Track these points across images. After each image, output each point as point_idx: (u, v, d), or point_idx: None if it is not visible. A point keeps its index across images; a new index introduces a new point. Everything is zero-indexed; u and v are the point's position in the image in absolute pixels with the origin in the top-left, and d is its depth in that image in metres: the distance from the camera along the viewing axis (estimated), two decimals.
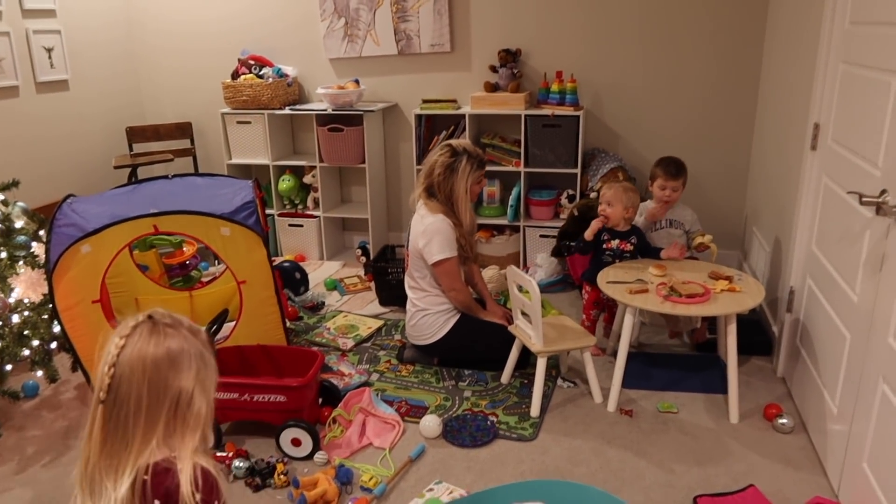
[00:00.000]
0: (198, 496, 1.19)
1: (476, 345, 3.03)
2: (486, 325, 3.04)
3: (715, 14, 3.85)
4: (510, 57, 4.12)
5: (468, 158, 2.92)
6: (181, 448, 1.23)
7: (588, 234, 3.07)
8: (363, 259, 4.52)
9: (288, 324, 3.49)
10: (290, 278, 3.87)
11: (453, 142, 3.01)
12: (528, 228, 4.23)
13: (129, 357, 1.19)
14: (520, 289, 2.79)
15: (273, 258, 4.45)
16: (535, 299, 2.61)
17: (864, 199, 2.01)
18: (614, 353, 3.18)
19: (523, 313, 2.82)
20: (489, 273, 3.83)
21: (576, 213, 3.89)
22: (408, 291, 3.11)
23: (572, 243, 3.84)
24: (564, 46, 4.11)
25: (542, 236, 4.20)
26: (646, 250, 3.13)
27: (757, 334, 3.22)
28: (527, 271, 4.16)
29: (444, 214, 2.93)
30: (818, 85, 2.67)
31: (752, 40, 3.84)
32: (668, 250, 3.05)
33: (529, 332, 2.75)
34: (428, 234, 2.89)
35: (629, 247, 3.08)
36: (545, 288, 3.98)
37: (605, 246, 3.08)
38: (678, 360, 3.14)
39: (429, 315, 3.01)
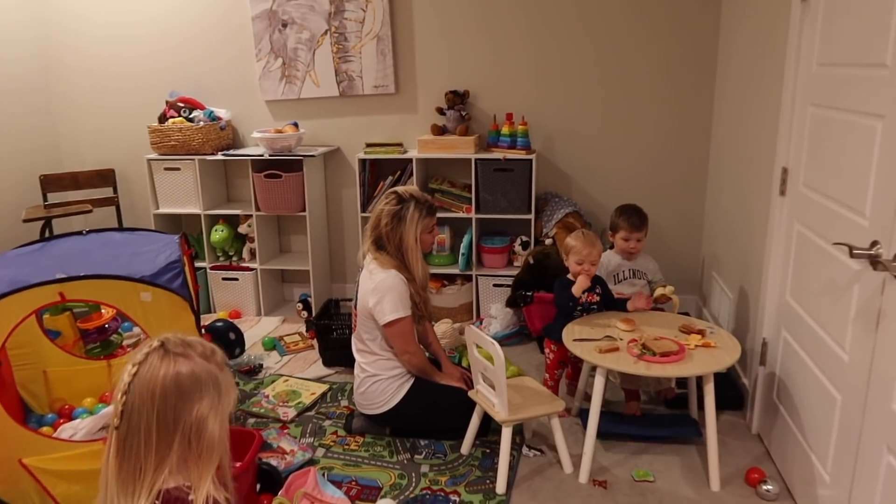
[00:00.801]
0: None
1: (433, 412, 2.76)
2: (443, 390, 2.77)
3: (667, 57, 3.78)
4: (458, 99, 3.94)
5: (416, 205, 2.69)
6: (195, 476, 1.21)
7: (577, 292, 2.82)
8: (304, 314, 4.20)
9: None
10: (224, 340, 3.52)
11: (399, 188, 2.78)
12: (480, 277, 4.01)
13: (140, 385, 1.20)
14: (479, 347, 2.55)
15: (205, 316, 4.15)
16: (500, 365, 2.37)
17: (854, 252, 1.85)
18: (580, 413, 2.96)
19: (485, 377, 2.57)
20: (442, 328, 3.57)
21: (531, 262, 3.70)
22: (356, 355, 2.82)
23: (528, 293, 3.65)
24: (514, 88, 3.96)
25: (495, 285, 3.99)
26: (610, 302, 2.94)
27: (727, 388, 3.05)
28: (480, 323, 3.92)
29: (395, 269, 2.68)
30: (784, 128, 2.56)
31: (705, 83, 3.77)
32: (634, 301, 2.87)
33: (493, 400, 2.50)
34: (379, 291, 2.62)
35: (596, 298, 2.88)
36: (501, 341, 3.73)
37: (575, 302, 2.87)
38: (648, 420, 2.93)
39: (380, 381, 2.73)
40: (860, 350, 1.93)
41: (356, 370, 2.82)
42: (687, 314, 3.34)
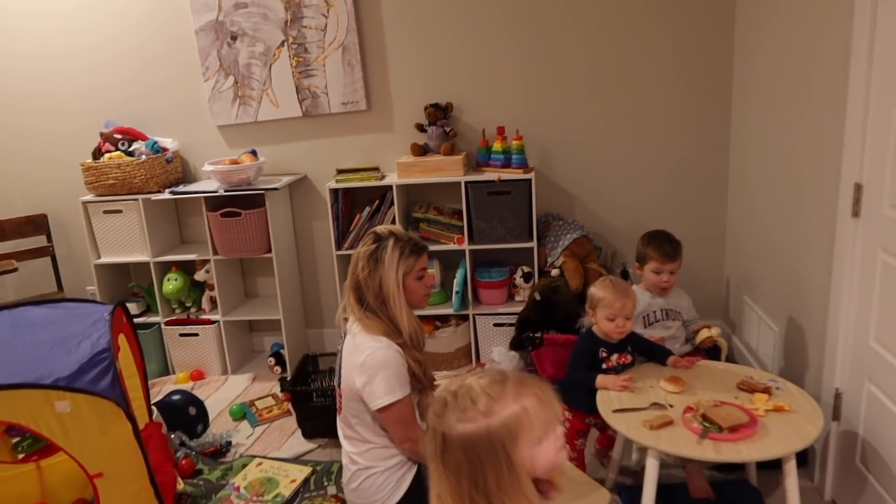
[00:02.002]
0: None
1: None
2: None
3: (675, 54, 3.30)
4: (440, 113, 3.42)
5: (395, 242, 2.14)
6: None
7: (603, 385, 2.27)
8: (277, 369, 3.65)
9: (181, 486, 2.58)
10: (183, 417, 2.95)
11: (379, 227, 2.25)
12: (478, 317, 3.49)
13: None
14: None
15: (160, 380, 3.57)
16: None
17: None
18: (617, 489, 2.46)
19: None
20: (440, 385, 3.04)
21: (538, 298, 3.19)
22: (343, 442, 2.27)
23: (536, 334, 3.14)
24: (504, 97, 3.45)
25: (496, 325, 3.47)
26: (645, 350, 2.44)
27: None
28: (481, 369, 3.40)
29: (386, 336, 2.14)
30: (854, 137, 2.09)
31: (720, 82, 3.30)
32: (676, 359, 2.37)
33: None
34: (368, 368, 2.08)
35: (628, 359, 2.38)
36: None
37: (604, 366, 2.36)
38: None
39: (375, 475, 2.18)
40: None
41: (344, 460, 2.27)
42: (731, 359, 2.86)
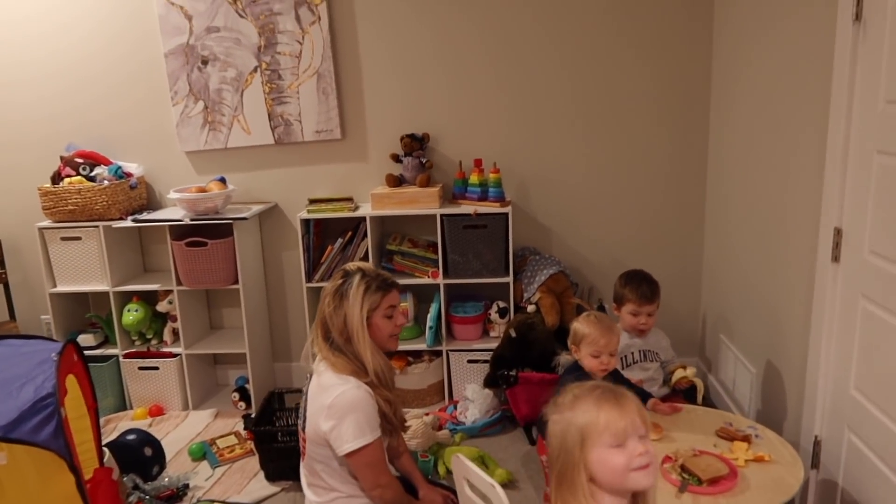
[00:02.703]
0: None
1: None
2: None
3: (654, 93, 3.28)
4: (416, 143, 3.35)
5: (361, 278, 2.06)
6: None
7: None
8: (242, 405, 3.50)
9: None
10: (137, 457, 2.80)
11: (349, 264, 2.17)
12: (452, 353, 3.39)
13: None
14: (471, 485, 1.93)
15: (117, 415, 3.40)
16: None
17: None
18: None
19: None
20: (412, 425, 2.93)
21: (513, 334, 3.11)
22: (306, 491, 2.16)
23: (511, 372, 3.07)
24: (481, 129, 3.40)
25: (470, 361, 3.38)
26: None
27: None
28: (455, 407, 3.30)
29: (354, 375, 2.04)
30: (834, 181, 2.06)
31: (698, 121, 3.29)
32: (656, 403, 2.30)
33: None
34: (336, 411, 1.97)
35: None
36: (481, 430, 3.14)
37: None
38: None
39: None
40: None
41: None
42: (707, 398, 2.80)
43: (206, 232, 3.30)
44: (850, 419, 2.06)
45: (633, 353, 2.56)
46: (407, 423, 2.87)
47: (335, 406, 1.98)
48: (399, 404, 2.20)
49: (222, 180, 3.42)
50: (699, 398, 2.56)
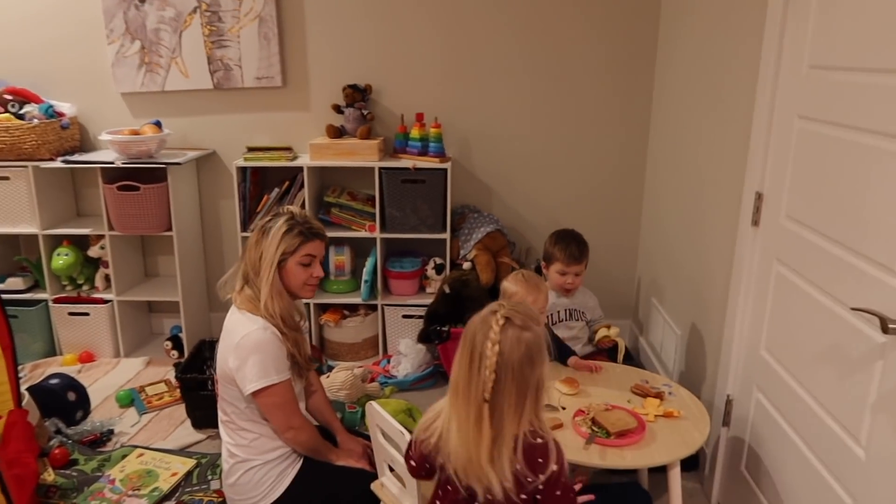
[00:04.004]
0: (554, 466, 1.39)
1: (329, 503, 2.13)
2: (341, 475, 2.14)
3: (602, 51, 3.26)
4: (358, 94, 3.29)
5: (287, 219, 2.03)
6: (538, 420, 1.42)
7: None
8: (174, 353, 3.46)
9: (52, 477, 2.41)
10: (60, 402, 2.75)
11: (288, 206, 2.16)
12: (387, 307, 3.39)
13: (504, 362, 1.36)
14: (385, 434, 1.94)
15: (47, 360, 3.34)
16: None
17: (890, 327, 1.37)
18: None
19: (391, 468, 1.96)
20: (340, 377, 2.94)
21: (447, 291, 3.12)
22: (221, 432, 2.15)
23: (444, 328, 3.09)
24: (425, 83, 3.35)
25: (405, 316, 3.38)
26: (554, 348, 2.39)
27: None
28: (388, 361, 3.32)
29: (263, 318, 2.02)
30: (758, 144, 2.08)
31: (642, 83, 3.29)
32: (577, 361, 2.33)
33: (403, 501, 1.90)
34: (242, 351, 1.96)
35: None
36: (412, 384, 3.16)
37: None
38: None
39: (255, 469, 2.07)
40: (888, 452, 1.45)
41: (223, 453, 2.15)
42: (629, 353, 2.86)
43: (139, 176, 3.21)
44: (758, 379, 2.12)
45: (559, 312, 2.59)
46: (337, 367, 2.89)
47: (241, 346, 1.97)
48: (305, 344, 2.19)
49: (158, 124, 3.32)
50: (620, 357, 2.60)
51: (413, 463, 1.61)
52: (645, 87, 3.29)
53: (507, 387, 1.37)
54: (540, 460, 1.39)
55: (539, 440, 1.41)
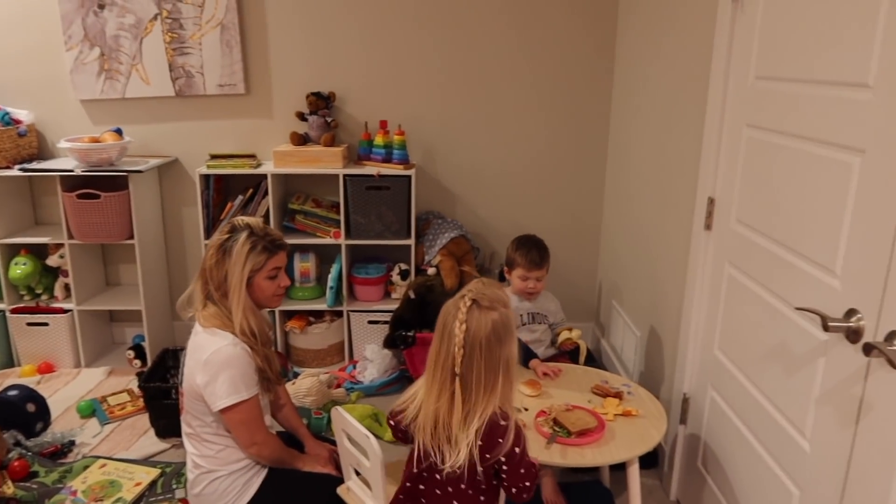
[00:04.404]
0: (514, 448, 1.53)
1: None
2: (308, 482, 2.15)
3: (561, 61, 3.34)
4: (322, 102, 3.31)
5: (248, 236, 2.02)
6: (507, 399, 1.57)
7: None
8: (137, 363, 3.43)
9: (11, 489, 2.37)
10: (19, 414, 2.71)
11: (239, 218, 2.13)
12: (353, 313, 3.41)
13: (471, 339, 1.50)
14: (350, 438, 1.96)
15: (4, 372, 3.26)
16: (376, 462, 1.80)
17: (830, 325, 1.44)
18: None
19: (357, 472, 1.99)
20: (306, 383, 2.94)
21: (412, 296, 3.16)
22: (185, 443, 2.14)
23: (409, 333, 3.12)
24: (388, 91, 3.38)
25: (371, 322, 3.41)
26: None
27: None
28: (354, 367, 3.33)
29: (232, 332, 2.02)
30: (710, 152, 2.16)
31: (601, 91, 3.37)
32: (538, 363, 2.39)
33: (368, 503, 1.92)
34: (212, 366, 1.96)
35: None
36: (379, 389, 3.18)
37: None
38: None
39: (220, 479, 2.07)
40: (830, 444, 1.53)
41: (188, 463, 2.14)
42: (591, 355, 2.93)
43: (99, 184, 3.18)
44: (713, 378, 2.19)
45: (521, 316, 2.63)
46: (304, 374, 2.90)
47: (210, 362, 1.96)
48: (275, 360, 2.19)
49: (118, 131, 3.29)
50: (582, 359, 2.67)
51: (391, 423, 1.76)
52: (604, 96, 3.38)
53: (477, 362, 1.51)
54: (499, 440, 1.53)
55: (503, 422, 1.53)
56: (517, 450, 1.55)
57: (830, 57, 1.54)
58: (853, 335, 1.43)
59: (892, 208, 1.32)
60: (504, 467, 1.56)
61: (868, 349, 1.32)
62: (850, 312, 1.44)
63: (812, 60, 1.62)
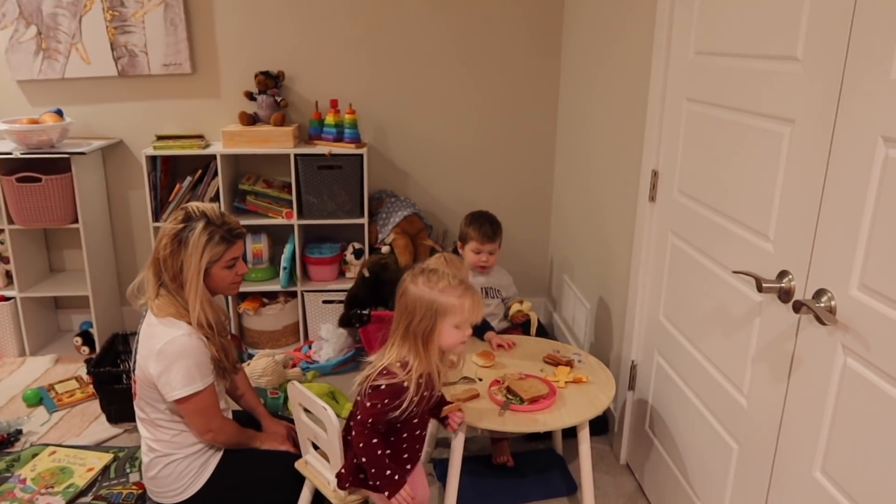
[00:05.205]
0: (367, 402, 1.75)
1: (252, 489, 2.14)
2: (265, 459, 2.16)
3: (511, 39, 3.37)
4: (271, 81, 3.28)
5: (205, 225, 1.97)
6: (414, 356, 1.76)
7: None
8: (85, 349, 3.36)
9: None
10: None
11: (193, 204, 2.07)
12: (307, 293, 3.41)
13: (400, 303, 1.78)
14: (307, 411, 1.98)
15: None
16: (333, 433, 1.83)
17: (764, 286, 1.52)
18: (432, 462, 2.51)
19: (315, 446, 2.01)
20: (261, 363, 2.94)
21: (366, 274, 3.17)
22: (140, 427, 2.12)
23: (364, 311, 3.13)
24: (338, 70, 3.37)
25: (325, 302, 3.41)
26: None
27: None
28: (309, 347, 3.34)
29: (178, 317, 1.98)
30: (653, 126, 2.23)
31: (550, 68, 3.42)
32: (492, 336, 2.44)
33: (327, 476, 1.95)
34: (165, 358, 1.92)
35: None
36: (335, 368, 3.20)
37: None
38: (515, 472, 2.52)
39: (175, 462, 2.06)
40: (765, 398, 1.62)
41: (143, 447, 2.12)
42: (543, 327, 3.00)
43: (40, 167, 3.09)
44: (658, 344, 2.28)
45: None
46: (259, 354, 2.89)
47: (164, 352, 1.92)
48: (232, 348, 2.16)
49: (59, 112, 3.20)
50: (533, 330, 2.73)
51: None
52: (553, 73, 3.43)
53: (399, 322, 1.77)
54: (370, 389, 1.76)
55: (383, 378, 1.75)
56: (367, 403, 1.74)
57: (761, 31, 1.61)
58: (785, 295, 1.51)
59: (819, 174, 1.40)
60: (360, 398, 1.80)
61: (797, 306, 1.40)
62: (782, 274, 1.53)
63: (745, 35, 1.69)
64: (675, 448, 2.15)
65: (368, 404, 1.74)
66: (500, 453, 2.47)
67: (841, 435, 1.36)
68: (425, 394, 1.77)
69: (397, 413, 1.73)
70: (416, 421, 1.84)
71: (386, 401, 1.72)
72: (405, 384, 1.73)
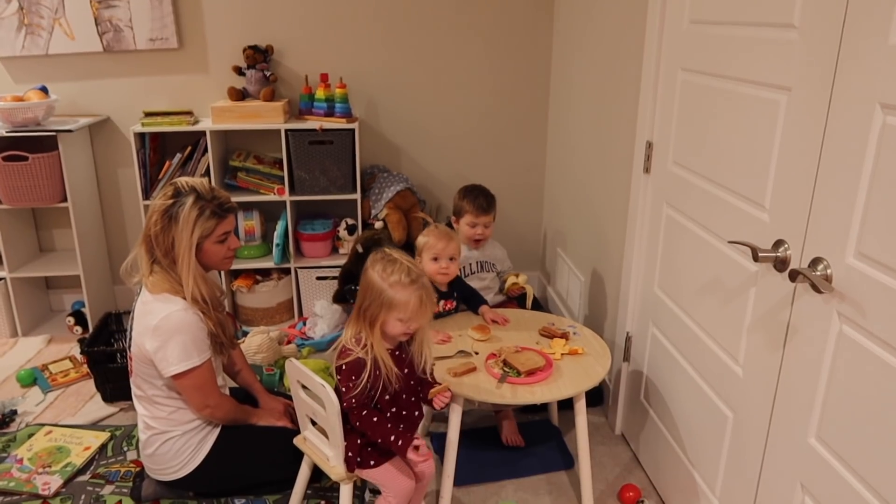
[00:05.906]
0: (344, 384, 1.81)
1: (250, 466, 2.16)
2: (262, 435, 2.18)
3: (501, 14, 3.32)
4: (260, 56, 3.23)
5: (195, 200, 1.95)
6: (369, 334, 1.81)
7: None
8: (78, 329, 3.35)
9: None
10: None
11: (182, 179, 2.05)
12: (301, 270, 3.40)
13: (368, 276, 1.84)
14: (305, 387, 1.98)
15: None
16: (332, 410, 1.83)
17: (760, 256, 1.53)
18: (429, 436, 2.53)
19: (314, 422, 2.01)
20: (256, 340, 2.94)
21: (360, 250, 3.15)
22: (136, 405, 2.12)
23: (358, 287, 3.11)
24: (328, 43, 3.32)
25: (319, 278, 3.40)
26: (468, 297, 2.49)
27: None
28: (304, 324, 3.33)
29: (173, 293, 1.97)
30: (647, 97, 2.22)
31: (542, 40, 3.39)
32: (487, 310, 2.44)
33: (326, 452, 1.96)
34: (162, 332, 1.92)
35: (453, 304, 2.43)
36: (329, 344, 3.20)
37: None
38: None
39: (173, 439, 2.07)
40: (760, 367, 1.63)
41: (140, 424, 2.13)
42: (537, 301, 3.01)
43: (27, 146, 3.05)
44: (653, 315, 2.29)
45: (471, 265, 2.68)
46: (254, 331, 2.89)
47: (160, 328, 1.92)
48: (228, 323, 2.16)
49: (44, 90, 3.15)
50: (529, 303, 2.74)
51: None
52: (545, 46, 3.40)
53: (359, 298, 1.85)
54: (337, 374, 1.83)
55: (341, 359, 1.81)
56: (342, 387, 1.80)
57: None
58: (780, 264, 1.51)
59: (815, 143, 1.40)
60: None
61: (794, 275, 1.41)
62: (778, 243, 1.53)
63: (740, 3, 1.67)
64: (670, 418, 2.17)
65: (343, 388, 1.80)
66: (510, 432, 2.48)
67: (836, 402, 1.37)
68: (396, 371, 1.81)
69: (370, 384, 1.79)
70: (404, 396, 1.90)
71: (352, 378, 1.78)
72: (362, 359, 1.78)
